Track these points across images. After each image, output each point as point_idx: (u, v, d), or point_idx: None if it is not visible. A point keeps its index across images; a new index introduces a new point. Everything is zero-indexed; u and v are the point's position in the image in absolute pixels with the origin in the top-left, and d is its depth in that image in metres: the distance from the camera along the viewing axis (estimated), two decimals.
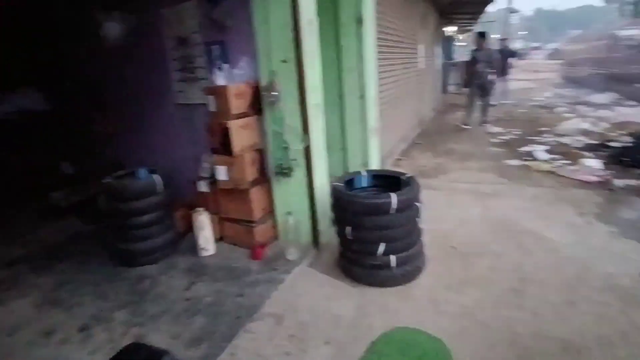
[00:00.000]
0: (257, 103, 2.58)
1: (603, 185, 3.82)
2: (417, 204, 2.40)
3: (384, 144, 4.73)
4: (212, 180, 2.81)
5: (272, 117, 2.49)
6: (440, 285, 2.43)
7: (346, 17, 3.59)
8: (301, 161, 2.57)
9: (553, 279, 2.41)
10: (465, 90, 7.51)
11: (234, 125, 2.49)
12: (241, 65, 2.56)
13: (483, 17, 13.33)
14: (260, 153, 2.74)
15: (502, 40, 10.19)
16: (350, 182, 2.67)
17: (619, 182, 3.77)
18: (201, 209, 2.80)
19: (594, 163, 4.30)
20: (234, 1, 2.47)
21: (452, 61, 14.29)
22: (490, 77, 6.87)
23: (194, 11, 2.76)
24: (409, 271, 2.43)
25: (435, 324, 2.07)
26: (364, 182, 2.73)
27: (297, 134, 2.48)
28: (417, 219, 2.42)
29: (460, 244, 2.93)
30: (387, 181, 2.66)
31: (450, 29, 13.56)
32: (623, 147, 4.61)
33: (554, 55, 34.61)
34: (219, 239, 2.95)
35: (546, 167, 4.48)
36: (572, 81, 13.07)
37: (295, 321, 2.13)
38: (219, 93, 2.49)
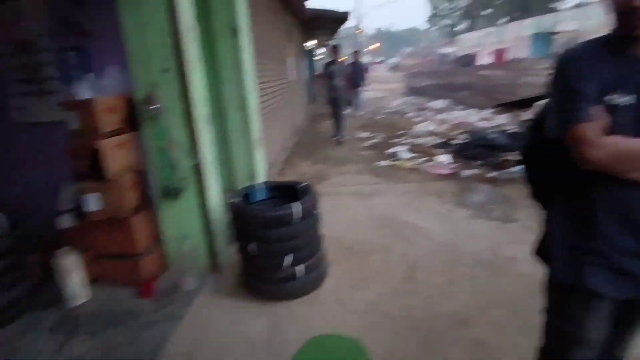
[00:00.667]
0: (134, 118, 2.27)
1: (454, 176, 4.56)
2: (316, 211, 2.46)
3: (268, 155, 4.72)
4: (79, 212, 2.35)
5: (155, 132, 2.23)
6: (344, 286, 2.53)
7: (220, 27, 3.47)
8: (192, 179, 2.36)
9: (434, 263, 2.76)
10: (327, 104, 7.21)
11: (106, 145, 2.13)
12: (110, 75, 2.22)
13: (338, 34, 14.60)
14: (142, 174, 2.42)
15: (355, 53, 10.97)
16: (246, 196, 2.57)
17: (465, 173, 4.56)
18: (66, 248, 2.32)
19: (445, 158, 5.10)
20: (96, 2, 2.13)
21: (315, 73, 15.21)
22: (344, 90, 6.91)
23: (39, 10, 2.28)
24: (315, 278, 2.46)
25: (346, 324, 2.15)
26: (261, 195, 2.67)
27: (185, 149, 2.28)
28: (317, 226, 2.48)
29: (354, 244, 3.12)
30: (284, 192, 2.66)
31: (310, 43, 14.42)
32: (462, 144, 5.59)
33: (395, 68, 40.27)
34: (94, 280, 2.49)
35: (410, 164, 5.12)
36: (414, 91, 15.31)
37: (207, 355, 1.93)
38: (83, 108, 2.10)
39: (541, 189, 1.26)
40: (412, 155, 5.49)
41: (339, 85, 6.72)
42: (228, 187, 3.99)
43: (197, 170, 2.37)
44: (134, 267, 2.41)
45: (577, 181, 1.07)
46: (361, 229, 3.38)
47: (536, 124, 1.22)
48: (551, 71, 1.08)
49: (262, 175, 4.10)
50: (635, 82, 0.97)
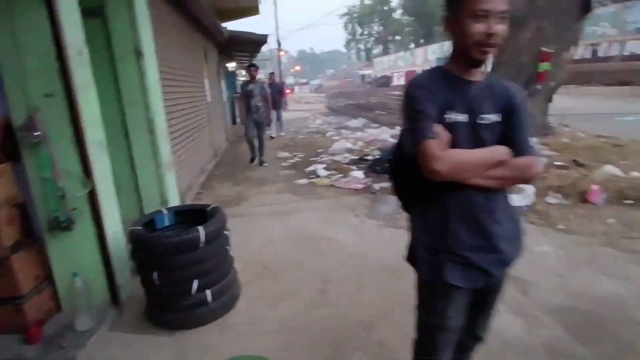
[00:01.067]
0: (10, 146, 2.08)
1: (367, 190, 4.85)
2: (225, 232, 2.45)
3: (182, 179, 4.58)
4: None
5: (38, 161, 2.05)
6: (257, 307, 2.53)
7: (123, 50, 3.35)
8: (85, 209, 2.21)
9: (345, 273, 2.89)
10: (246, 125, 6.77)
11: None
12: None
13: (259, 56, 14.79)
14: (23, 207, 2.20)
15: (271, 74, 11.27)
16: (151, 223, 2.47)
17: (376, 186, 4.87)
18: None
19: (358, 174, 5.40)
20: None
21: (237, 94, 15.15)
22: (264, 111, 6.58)
23: None
24: (226, 301, 2.42)
25: (259, 346, 2.15)
26: (167, 221, 2.59)
27: (76, 178, 2.13)
28: (227, 247, 2.46)
29: (270, 262, 3.14)
30: (192, 216, 2.60)
31: (231, 65, 14.39)
32: (375, 159, 5.97)
33: (318, 89, 41.70)
34: None
35: (326, 181, 5.32)
36: (334, 110, 15.99)
37: None
38: None
39: (406, 200, 1.42)
40: (329, 172, 5.71)
41: (259, 105, 6.50)
42: (136, 215, 3.78)
43: (92, 199, 2.22)
44: (18, 312, 2.16)
45: (431, 190, 1.23)
46: (277, 248, 3.42)
47: (398, 143, 1.39)
48: (402, 97, 1.25)
49: (174, 200, 3.96)
50: (465, 102, 1.17)
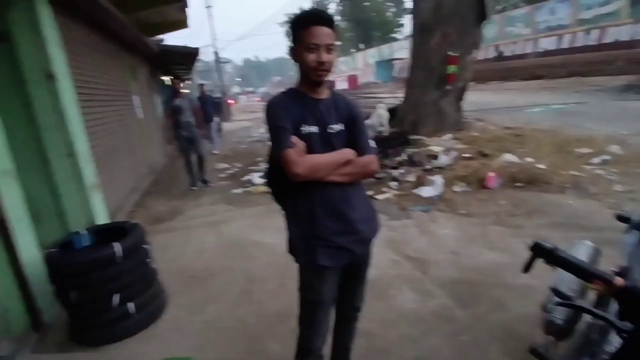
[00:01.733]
0: None
1: None
2: (144, 246, 2.57)
3: (111, 199, 4.55)
4: None
5: None
6: (184, 314, 2.67)
7: (32, 74, 3.34)
8: None
9: (270, 272, 3.11)
10: (178, 143, 6.05)
11: None
12: None
13: (201, 67, 14.60)
14: None
15: (201, 85, 10.38)
16: (68, 245, 2.53)
17: None
18: None
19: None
20: None
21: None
22: (194, 126, 5.87)
23: None
24: (151, 312, 2.54)
25: (184, 348, 2.30)
26: (85, 241, 2.65)
27: None
28: (147, 260, 2.58)
29: (200, 271, 3.28)
30: (112, 234, 2.68)
31: (166, 78, 14.12)
32: None
33: (264, 97, 41.71)
34: None
35: (262, 189, 5.51)
36: None
37: None
38: None
39: (281, 200, 1.67)
40: (264, 180, 5.89)
41: (189, 121, 5.81)
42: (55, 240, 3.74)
43: (2, 228, 2.26)
44: None
45: (298, 189, 1.50)
46: (208, 256, 3.56)
47: (270, 153, 1.64)
48: (264, 113, 1.51)
49: (102, 221, 3.96)
50: (316, 116, 1.46)
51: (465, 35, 6.18)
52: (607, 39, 16.66)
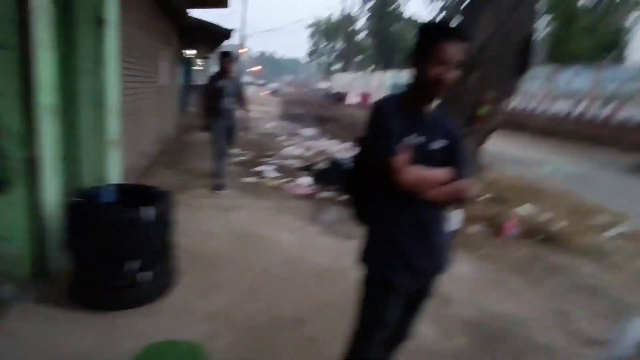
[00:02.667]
0: None
1: (312, 196, 5.00)
2: (170, 218, 2.43)
3: (125, 160, 4.38)
4: None
5: None
6: (191, 296, 2.54)
7: (84, 14, 3.19)
8: (23, 173, 2.09)
9: (280, 273, 2.99)
10: (206, 133, 5.11)
11: None
12: None
13: (220, 49, 14.51)
14: None
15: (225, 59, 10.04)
16: (92, 198, 2.38)
17: (321, 194, 5.04)
18: None
19: (306, 180, 5.54)
20: None
21: (191, 83, 14.69)
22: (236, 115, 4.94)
23: None
24: (160, 287, 2.40)
25: (190, 331, 2.16)
26: (109, 197, 2.51)
27: (19, 138, 2.02)
28: (169, 233, 2.45)
29: (208, 254, 3.14)
30: (136, 196, 2.55)
31: (190, 52, 13.95)
32: (323, 169, 6.16)
33: (275, 93, 41.63)
34: None
35: (274, 183, 5.39)
36: (288, 116, 16.09)
37: None
38: None
39: (362, 210, 1.58)
40: (277, 175, 5.79)
41: (232, 108, 4.83)
42: (72, 190, 3.57)
43: (32, 163, 2.11)
44: None
45: (388, 202, 1.42)
46: (217, 241, 3.43)
47: (356, 158, 1.56)
48: (368, 116, 1.43)
49: (115, 179, 3.78)
50: (421, 129, 1.38)
51: (503, 81, 6.21)
52: (621, 116, 17.09)
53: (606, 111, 17.61)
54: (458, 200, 1.45)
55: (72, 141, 3.49)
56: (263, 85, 53.66)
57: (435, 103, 1.44)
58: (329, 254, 3.40)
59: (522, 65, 6.21)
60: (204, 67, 20.52)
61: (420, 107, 1.40)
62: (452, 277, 3.20)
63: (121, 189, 2.58)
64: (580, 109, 19.01)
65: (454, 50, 1.31)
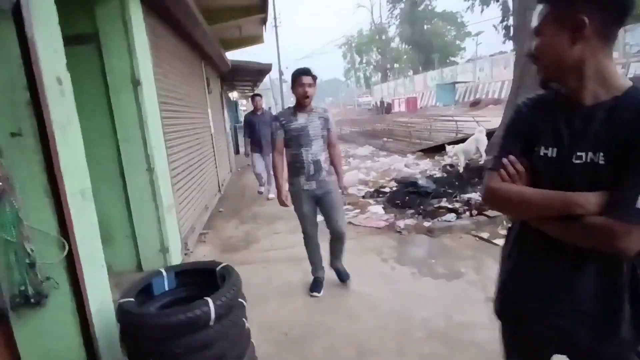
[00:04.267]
0: None
1: (390, 228, 4.33)
2: (240, 300, 1.93)
3: (185, 220, 4.09)
4: None
5: None
6: None
7: (118, 79, 2.96)
8: (62, 278, 1.71)
9: (385, 342, 2.35)
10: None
11: None
12: None
13: (260, 85, 14.65)
14: None
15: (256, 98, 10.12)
16: (146, 291, 1.96)
17: (400, 223, 4.36)
18: None
19: (378, 209, 4.90)
20: None
21: (239, 124, 14.92)
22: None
23: None
24: None
25: None
26: (167, 285, 2.08)
27: (50, 239, 1.65)
28: (243, 320, 1.94)
29: (291, 326, 2.60)
30: (197, 277, 2.10)
31: (234, 94, 14.21)
32: (393, 192, 5.49)
33: None
34: None
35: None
36: (339, 138, 15.74)
37: None
38: None
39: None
40: (345, 207, 5.21)
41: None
42: (131, 264, 3.29)
43: (71, 264, 1.73)
44: None
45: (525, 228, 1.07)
46: (298, 305, 2.89)
47: None
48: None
49: (176, 246, 3.46)
50: (565, 132, 0.96)
51: None
52: None
53: None
54: (596, 245, 0.89)
55: (127, 214, 3.22)
56: None
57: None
58: (436, 304, 2.71)
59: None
60: (246, 107, 21.01)
61: (577, 99, 0.94)
62: None
63: (177, 271, 2.14)
64: None
65: None
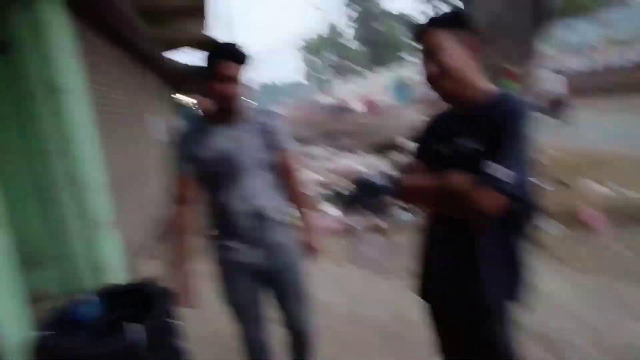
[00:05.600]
0: None
1: (347, 231, 4.33)
2: (175, 322, 1.81)
3: (132, 235, 3.85)
4: None
5: None
6: None
7: (35, 87, 2.72)
8: None
9: (336, 344, 2.31)
10: None
11: None
12: None
13: None
14: None
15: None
16: (70, 319, 1.79)
17: (356, 224, 4.36)
18: None
19: (334, 212, 4.88)
20: None
21: None
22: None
23: None
24: None
25: None
26: (95, 310, 1.91)
27: None
28: (178, 343, 1.82)
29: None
30: (131, 298, 1.96)
31: (185, 98, 13.76)
32: (349, 192, 5.50)
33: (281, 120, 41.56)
34: None
35: (296, 223, 4.76)
36: (298, 139, 15.66)
37: None
38: None
39: None
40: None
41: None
42: (65, 292, 3.04)
43: None
44: None
45: None
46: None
47: None
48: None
49: (117, 268, 3.24)
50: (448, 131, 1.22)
51: (522, 49, 5.52)
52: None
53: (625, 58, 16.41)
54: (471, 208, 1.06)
55: (53, 235, 2.98)
56: None
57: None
58: (388, 305, 2.72)
59: (537, 28, 5.54)
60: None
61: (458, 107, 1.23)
62: (549, 307, 2.49)
63: (105, 293, 1.98)
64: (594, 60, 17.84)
65: None
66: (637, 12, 16.21)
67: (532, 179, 1.09)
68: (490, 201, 1.04)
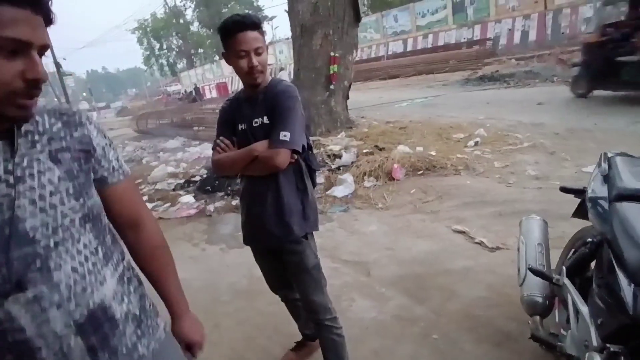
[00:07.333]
0: None
1: (201, 214, 4.51)
2: None
3: None
4: None
5: None
6: None
7: None
8: None
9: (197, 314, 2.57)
10: None
11: None
12: None
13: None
14: None
15: None
16: None
17: (210, 207, 4.58)
18: None
19: (188, 198, 4.98)
20: None
21: None
22: None
23: None
24: None
25: None
26: None
27: None
28: None
29: None
30: None
31: None
32: (203, 179, 5.63)
33: (122, 112, 37.14)
34: None
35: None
36: (145, 133, 14.52)
37: None
38: None
39: None
40: (153, 204, 5.08)
41: None
42: None
43: None
44: None
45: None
46: None
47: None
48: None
49: None
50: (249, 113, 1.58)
51: (344, 36, 6.40)
52: (440, 42, 19.77)
53: (428, 42, 20.18)
54: (265, 166, 1.48)
55: None
56: (106, 107, 47.66)
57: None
58: (241, 269, 3.07)
59: (356, 15, 6.48)
60: None
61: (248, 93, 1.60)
62: (362, 241, 3.23)
63: None
64: (409, 46, 21.42)
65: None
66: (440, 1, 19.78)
67: (304, 136, 1.54)
68: (281, 157, 1.44)
